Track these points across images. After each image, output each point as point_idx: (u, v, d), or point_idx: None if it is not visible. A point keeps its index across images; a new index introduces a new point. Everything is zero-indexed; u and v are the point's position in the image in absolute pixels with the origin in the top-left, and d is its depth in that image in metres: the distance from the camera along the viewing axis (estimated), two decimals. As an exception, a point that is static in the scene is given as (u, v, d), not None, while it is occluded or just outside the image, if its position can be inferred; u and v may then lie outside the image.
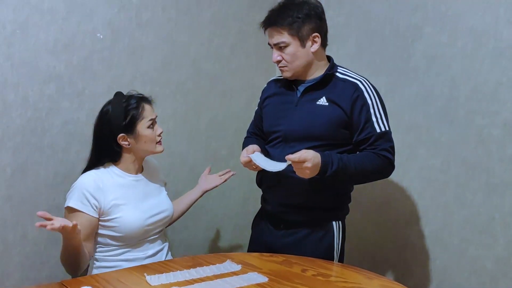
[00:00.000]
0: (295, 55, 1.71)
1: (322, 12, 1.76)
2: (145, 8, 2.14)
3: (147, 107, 1.74)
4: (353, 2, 2.33)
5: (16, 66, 1.83)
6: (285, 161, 1.61)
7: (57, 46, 1.92)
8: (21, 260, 1.90)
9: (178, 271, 1.54)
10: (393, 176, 2.22)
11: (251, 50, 2.53)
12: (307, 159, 1.56)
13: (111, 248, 1.70)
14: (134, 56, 2.13)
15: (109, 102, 1.74)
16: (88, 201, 1.64)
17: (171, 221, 1.91)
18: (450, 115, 2.02)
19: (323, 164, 1.60)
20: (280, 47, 1.71)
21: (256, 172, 1.86)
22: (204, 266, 1.58)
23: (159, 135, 1.76)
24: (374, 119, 1.70)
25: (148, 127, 1.72)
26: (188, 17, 2.29)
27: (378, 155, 1.69)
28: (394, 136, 2.15)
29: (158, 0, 2.18)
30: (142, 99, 1.75)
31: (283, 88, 1.85)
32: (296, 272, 1.57)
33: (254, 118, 2.01)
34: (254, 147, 1.78)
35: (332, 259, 1.78)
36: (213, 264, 1.61)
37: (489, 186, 1.93)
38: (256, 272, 1.54)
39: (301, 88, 1.79)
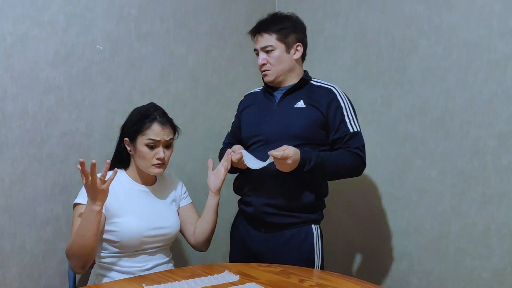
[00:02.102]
0: (280, 59, 1.85)
1: (305, 29, 1.93)
2: (144, 20, 2.17)
3: (155, 127, 1.71)
4: (350, 14, 2.36)
5: (16, 78, 1.85)
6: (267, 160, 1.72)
7: (57, 57, 1.93)
8: (19, 271, 1.89)
9: (176, 281, 1.54)
10: (390, 187, 2.24)
11: (249, 61, 2.55)
12: (289, 157, 1.68)
13: (109, 254, 1.70)
14: (133, 68, 2.15)
15: (145, 104, 1.82)
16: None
17: (208, 236, 1.84)
18: (446, 126, 2.05)
19: (302, 160, 1.72)
20: (267, 50, 1.85)
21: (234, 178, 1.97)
22: (202, 277, 1.58)
23: (158, 159, 1.72)
24: (347, 120, 1.84)
25: (147, 145, 1.71)
26: (186, 29, 2.31)
27: (352, 153, 1.82)
28: (390, 147, 2.17)
29: (156, 13, 2.21)
30: (156, 118, 1.73)
31: (261, 98, 1.96)
32: (294, 282, 1.57)
33: (231, 129, 2.09)
34: (239, 146, 1.90)
35: (313, 261, 1.85)
36: (211, 274, 1.61)
37: (485, 196, 1.95)
38: (254, 283, 1.55)
39: (279, 94, 1.90)
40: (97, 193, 1.53)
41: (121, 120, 2.11)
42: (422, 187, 2.14)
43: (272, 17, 1.89)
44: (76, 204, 1.70)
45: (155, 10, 2.20)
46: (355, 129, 1.84)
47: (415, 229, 2.17)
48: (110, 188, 1.67)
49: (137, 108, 1.82)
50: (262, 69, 1.88)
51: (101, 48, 2.05)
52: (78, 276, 1.95)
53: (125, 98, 2.13)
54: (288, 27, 1.85)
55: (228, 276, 1.60)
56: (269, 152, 1.68)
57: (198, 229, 1.84)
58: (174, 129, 1.79)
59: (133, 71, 2.15)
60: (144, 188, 1.79)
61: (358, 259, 2.37)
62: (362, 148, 1.84)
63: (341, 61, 2.39)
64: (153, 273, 1.66)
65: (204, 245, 1.86)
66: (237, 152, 1.82)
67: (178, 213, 1.87)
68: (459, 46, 1.99)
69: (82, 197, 1.68)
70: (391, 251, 2.26)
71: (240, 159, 1.80)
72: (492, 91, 1.91)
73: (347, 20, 2.37)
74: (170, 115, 2.27)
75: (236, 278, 1.59)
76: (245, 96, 2.07)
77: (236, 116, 2.06)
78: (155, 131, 1.71)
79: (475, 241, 1.98)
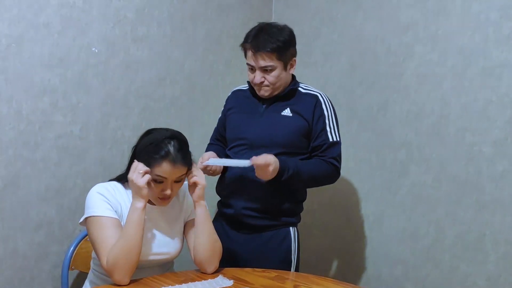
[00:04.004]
0: (279, 77, 1.83)
1: (295, 40, 1.88)
2: (141, 23, 2.17)
3: (165, 165, 1.53)
4: (346, 20, 2.37)
5: (11, 80, 1.84)
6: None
7: (52, 60, 1.92)
8: (11, 274, 1.88)
9: (170, 286, 1.53)
10: (385, 193, 2.24)
11: (246, 66, 2.54)
12: (271, 164, 1.72)
13: (99, 263, 1.66)
14: (129, 71, 2.15)
15: (164, 130, 1.61)
16: (111, 205, 1.57)
17: (201, 257, 1.65)
18: (441, 133, 2.05)
19: (281, 169, 1.76)
20: (266, 70, 1.81)
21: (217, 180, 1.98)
22: (196, 281, 1.57)
23: (165, 194, 1.58)
24: (328, 128, 1.87)
25: (154, 180, 1.55)
26: (183, 33, 2.31)
27: (327, 163, 1.86)
28: (385, 152, 2.17)
29: (153, 16, 2.20)
30: (168, 155, 1.53)
31: (248, 99, 1.95)
32: (288, 287, 1.56)
33: (217, 125, 2.09)
34: (209, 154, 1.88)
35: (290, 262, 1.88)
36: (205, 279, 1.60)
37: (480, 203, 1.95)
38: (248, 288, 1.54)
39: (266, 100, 1.90)
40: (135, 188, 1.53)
41: (116, 123, 2.12)
42: (417, 193, 2.13)
43: (267, 33, 1.80)
44: (92, 219, 1.55)
45: (152, 13, 2.20)
46: (335, 139, 1.87)
47: (410, 235, 2.16)
48: (113, 193, 1.59)
49: (152, 131, 1.61)
50: (261, 86, 1.84)
51: (96, 51, 2.04)
52: (71, 280, 1.93)
53: (120, 101, 2.13)
54: (286, 43, 1.80)
55: (222, 281, 1.59)
56: (252, 160, 1.71)
57: (194, 246, 1.66)
58: (189, 164, 1.60)
59: (129, 74, 2.15)
60: (149, 207, 1.63)
61: (353, 265, 2.36)
62: (338, 158, 1.87)
63: (338, 66, 2.40)
64: (147, 278, 1.64)
65: (202, 267, 1.65)
66: (200, 164, 1.79)
67: (185, 225, 1.73)
68: (454, 53, 2.00)
69: (97, 209, 1.55)
70: (386, 257, 2.25)
71: (206, 168, 1.82)
72: (487, 98, 1.92)
73: (344, 26, 2.38)
74: (166, 119, 2.28)
75: (230, 283, 1.58)
76: (233, 93, 2.05)
77: (222, 113, 2.06)
78: (165, 169, 1.53)
79: (470, 247, 1.98)
